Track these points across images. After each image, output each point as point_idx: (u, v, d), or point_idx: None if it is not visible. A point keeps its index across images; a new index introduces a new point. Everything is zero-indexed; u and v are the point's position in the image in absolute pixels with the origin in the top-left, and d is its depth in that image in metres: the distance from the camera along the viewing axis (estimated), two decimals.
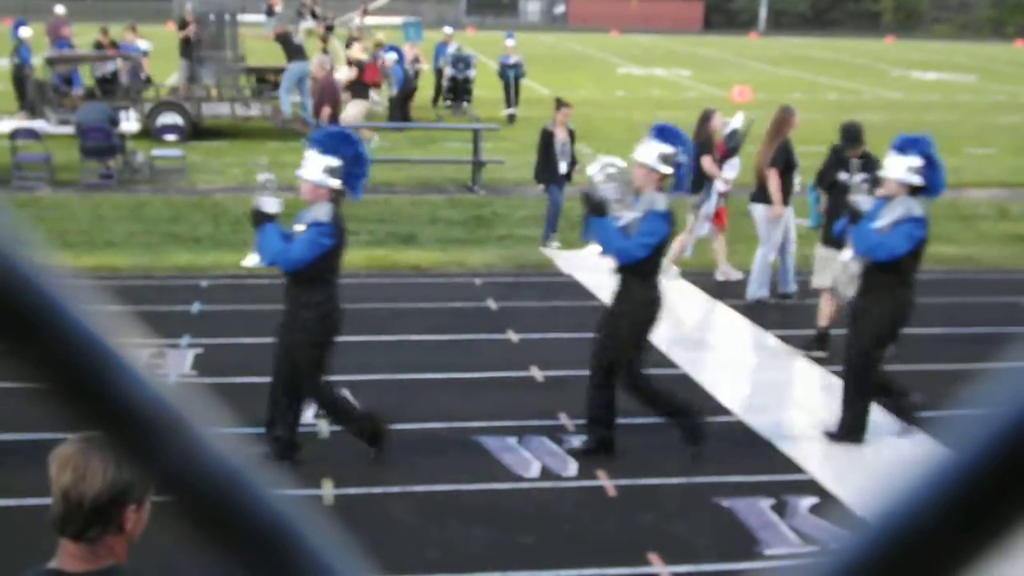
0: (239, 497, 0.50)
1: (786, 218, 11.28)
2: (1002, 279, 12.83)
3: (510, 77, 24.53)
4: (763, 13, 76.37)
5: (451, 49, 25.08)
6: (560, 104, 13.41)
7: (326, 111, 16.49)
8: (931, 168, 7.61)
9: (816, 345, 9.91)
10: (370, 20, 28.14)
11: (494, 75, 25.76)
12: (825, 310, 9.93)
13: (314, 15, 25.12)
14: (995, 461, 0.41)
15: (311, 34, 24.40)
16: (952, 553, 0.42)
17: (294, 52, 21.39)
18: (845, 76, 40.01)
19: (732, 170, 12.10)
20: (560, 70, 37.61)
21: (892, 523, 0.43)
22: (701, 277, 12.31)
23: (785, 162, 11.06)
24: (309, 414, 8.13)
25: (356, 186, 7.17)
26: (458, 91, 24.39)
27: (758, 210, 11.29)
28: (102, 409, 0.48)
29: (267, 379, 8.78)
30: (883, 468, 7.45)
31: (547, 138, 13.35)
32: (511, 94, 24.62)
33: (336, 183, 7.02)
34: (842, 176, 9.61)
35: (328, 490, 6.93)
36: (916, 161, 7.56)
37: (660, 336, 10.10)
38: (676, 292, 11.88)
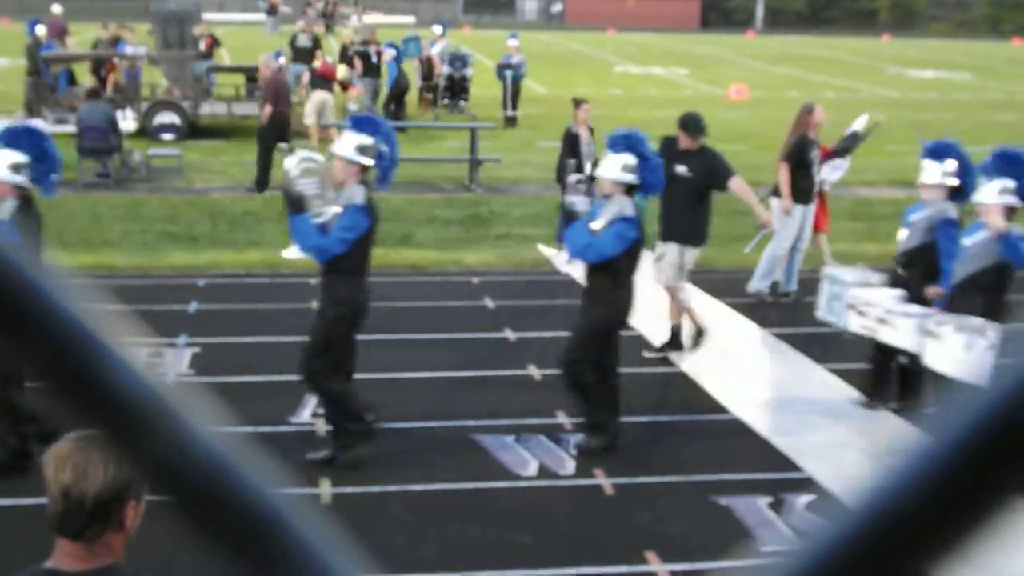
0: (233, 492, 0.50)
1: (800, 216, 11.24)
2: None
3: (507, 78, 23.96)
4: (760, 11, 76.35)
5: (440, 46, 24.88)
6: (578, 102, 12.99)
7: (267, 110, 16.44)
8: (646, 166, 7.55)
9: (669, 346, 9.78)
10: (370, 20, 28.11)
11: (491, 73, 25.63)
12: (672, 308, 9.85)
13: (324, 15, 25.08)
14: (974, 449, 0.42)
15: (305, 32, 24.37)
16: (931, 540, 0.43)
17: (295, 55, 21.50)
18: (842, 74, 40.00)
19: (837, 171, 11.71)
20: (557, 69, 37.57)
21: (872, 510, 0.44)
22: (698, 275, 12.29)
23: (798, 158, 11.03)
24: (306, 413, 8.14)
25: (46, 183, 7.05)
26: (455, 89, 24.24)
27: (773, 205, 11.26)
28: (93, 401, 0.48)
29: (265, 378, 8.80)
30: (877, 462, 7.45)
31: (572, 140, 12.77)
32: (508, 96, 23.94)
33: (20, 179, 6.89)
34: (679, 169, 9.47)
35: (326, 489, 6.93)
36: (630, 159, 7.52)
37: (657, 334, 10.10)
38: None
